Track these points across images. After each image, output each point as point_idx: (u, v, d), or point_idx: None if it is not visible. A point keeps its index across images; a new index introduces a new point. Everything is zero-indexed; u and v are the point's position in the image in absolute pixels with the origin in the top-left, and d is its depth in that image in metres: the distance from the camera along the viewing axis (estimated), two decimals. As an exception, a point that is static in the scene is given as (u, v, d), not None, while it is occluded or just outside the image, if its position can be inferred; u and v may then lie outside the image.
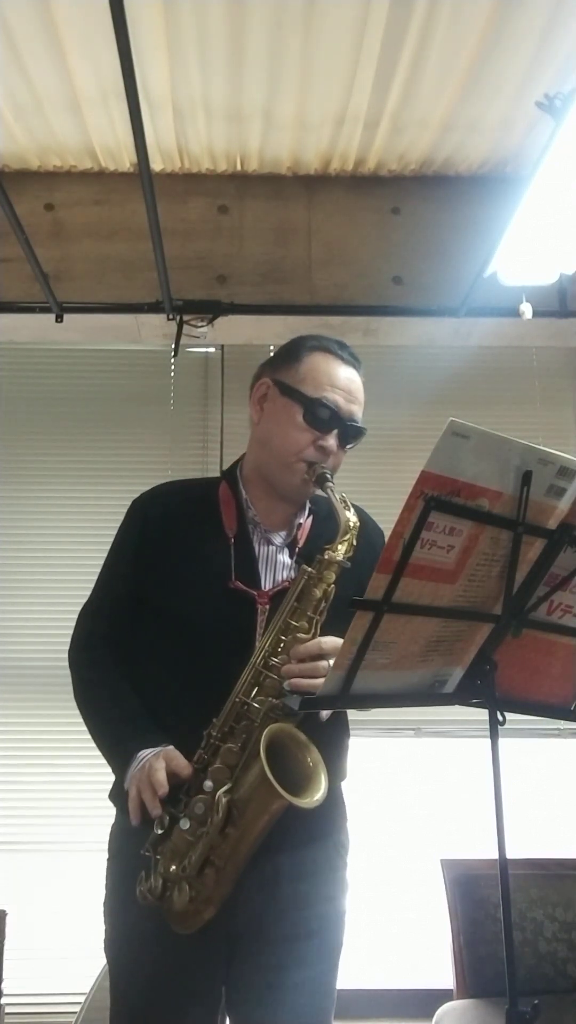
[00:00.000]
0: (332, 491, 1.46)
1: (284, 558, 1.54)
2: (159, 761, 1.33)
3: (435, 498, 1.03)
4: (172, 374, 3.33)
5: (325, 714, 1.39)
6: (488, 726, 1.16)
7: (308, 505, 1.60)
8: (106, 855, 1.53)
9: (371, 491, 3.06)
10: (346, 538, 1.42)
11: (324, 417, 1.48)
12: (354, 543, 1.43)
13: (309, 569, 1.40)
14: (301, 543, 1.54)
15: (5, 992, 2.41)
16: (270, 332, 3.17)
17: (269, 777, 1.24)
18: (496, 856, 1.12)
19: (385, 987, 2.86)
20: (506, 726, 1.17)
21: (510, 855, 1.12)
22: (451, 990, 2.36)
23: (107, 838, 1.54)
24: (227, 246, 3.14)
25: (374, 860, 2.97)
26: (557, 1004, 2.17)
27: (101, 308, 3.03)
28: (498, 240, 2.47)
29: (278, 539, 1.55)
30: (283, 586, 1.48)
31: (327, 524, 1.52)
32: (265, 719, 1.34)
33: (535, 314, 2.84)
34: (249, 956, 1.41)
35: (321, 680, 1.30)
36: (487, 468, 1.06)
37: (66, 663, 1.59)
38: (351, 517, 1.45)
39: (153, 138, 2.90)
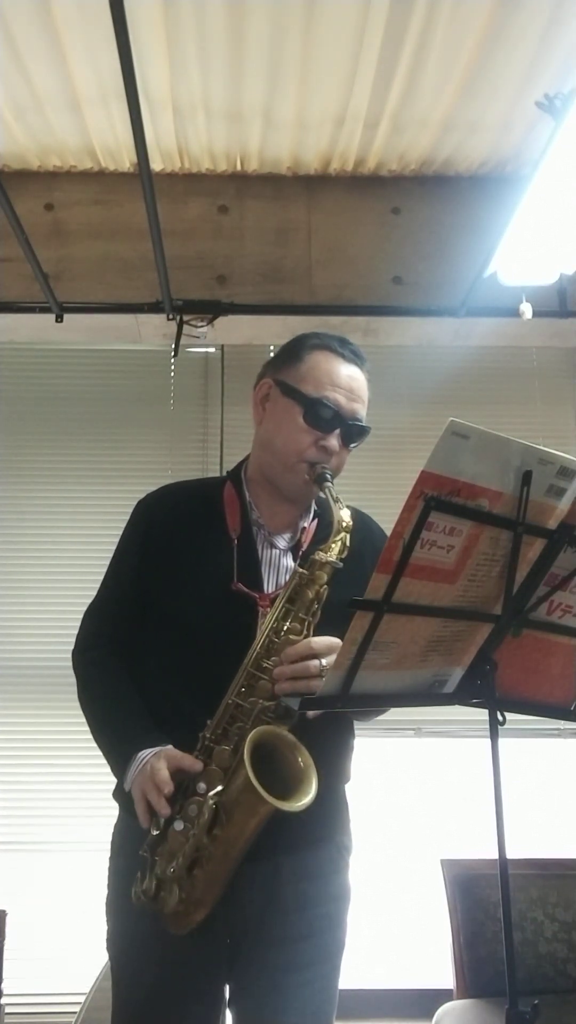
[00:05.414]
0: (329, 491, 1.44)
1: (288, 561, 1.52)
2: (160, 761, 1.32)
3: (435, 498, 1.03)
4: (172, 374, 3.33)
5: (311, 714, 1.36)
6: (488, 726, 1.16)
7: (313, 507, 1.59)
8: (108, 853, 1.52)
9: (371, 491, 3.08)
10: (339, 537, 1.40)
11: (325, 417, 1.47)
12: (347, 544, 1.41)
13: (301, 570, 1.39)
14: (305, 546, 1.53)
15: (5, 992, 2.41)
16: (270, 332, 3.17)
17: (253, 781, 1.23)
18: (496, 856, 1.12)
19: (385, 987, 2.85)
20: (506, 726, 1.17)
21: (510, 855, 1.12)
22: (451, 990, 2.36)
23: (107, 837, 1.54)
24: (227, 246, 3.14)
25: (374, 860, 2.97)
26: (557, 1004, 2.17)
27: (101, 308, 3.03)
28: (498, 240, 2.47)
29: (282, 542, 1.54)
30: None
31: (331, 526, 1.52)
32: (257, 721, 1.32)
33: (535, 314, 2.84)
34: (252, 956, 1.41)
35: (313, 681, 1.30)
36: (487, 468, 1.05)
37: (66, 663, 1.59)
38: (344, 516, 1.42)
39: (153, 138, 2.90)
